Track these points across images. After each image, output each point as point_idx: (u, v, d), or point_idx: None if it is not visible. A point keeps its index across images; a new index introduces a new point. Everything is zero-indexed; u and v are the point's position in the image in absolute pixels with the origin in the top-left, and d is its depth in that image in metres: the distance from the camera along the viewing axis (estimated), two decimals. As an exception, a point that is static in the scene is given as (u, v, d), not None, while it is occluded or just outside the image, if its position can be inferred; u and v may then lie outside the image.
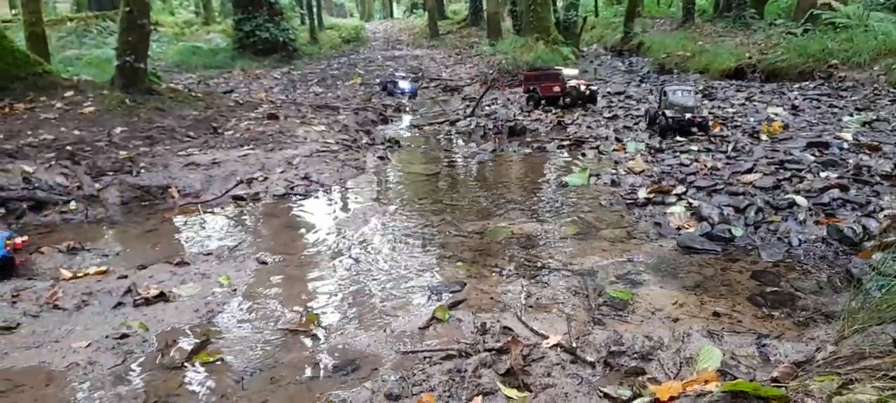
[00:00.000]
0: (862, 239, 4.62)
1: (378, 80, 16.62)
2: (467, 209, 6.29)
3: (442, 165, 8.48)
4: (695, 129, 8.42)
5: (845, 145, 7.13)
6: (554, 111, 11.56)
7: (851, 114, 9.09)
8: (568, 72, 12.55)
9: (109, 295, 4.31)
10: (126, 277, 4.62)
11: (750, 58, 15.00)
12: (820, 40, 13.79)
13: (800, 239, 4.79)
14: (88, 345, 3.64)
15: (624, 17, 25.04)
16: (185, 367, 3.42)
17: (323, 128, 9.97)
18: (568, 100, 11.92)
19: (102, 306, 4.17)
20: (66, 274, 4.72)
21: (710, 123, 8.63)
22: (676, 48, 18.61)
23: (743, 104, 10.82)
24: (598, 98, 12.23)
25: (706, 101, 11.38)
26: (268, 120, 10.15)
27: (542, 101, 12.18)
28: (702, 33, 20.46)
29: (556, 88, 11.92)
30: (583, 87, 11.93)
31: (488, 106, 12.80)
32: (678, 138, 8.40)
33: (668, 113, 8.50)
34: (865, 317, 2.95)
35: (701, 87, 13.37)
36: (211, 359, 3.48)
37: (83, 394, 3.20)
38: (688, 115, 8.40)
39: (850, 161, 6.46)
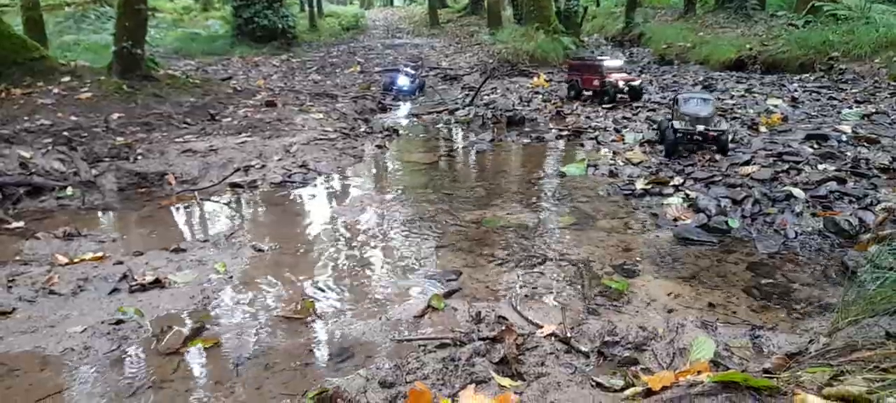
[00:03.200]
0: (858, 231, 4.63)
1: (378, 69, 16.52)
2: (465, 198, 6.28)
3: (440, 154, 8.47)
4: (711, 147, 6.99)
5: (844, 138, 7.12)
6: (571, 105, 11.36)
7: (851, 107, 9.08)
8: (610, 63, 11.37)
9: (105, 280, 4.32)
10: (122, 263, 4.62)
11: (750, 49, 14.96)
12: (821, 32, 13.75)
13: (796, 232, 4.79)
14: (84, 331, 3.65)
15: (625, 6, 24.94)
16: (181, 353, 3.42)
17: (321, 116, 9.95)
18: (606, 97, 10.81)
19: (98, 292, 4.17)
20: (62, 259, 4.71)
21: (729, 138, 6.99)
22: (677, 39, 18.56)
23: (742, 96, 10.80)
24: (643, 94, 11.07)
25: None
26: (266, 107, 10.13)
27: (584, 94, 11.37)
28: (703, 24, 20.38)
29: (596, 82, 10.94)
30: (621, 83, 10.71)
31: (487, 95, 12.76)
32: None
33: (677, 125, 6.97)
34: (859, 310, 2.95)
35: (701, 78, 13.34)
36: (206, 345, 3.48)
37: (78, 379, 3.21)
38: (700, 127, 6.83)
39: (849, 153, 6.45)
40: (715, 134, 6.78)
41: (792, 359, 2.70)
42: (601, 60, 11.46)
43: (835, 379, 2.07)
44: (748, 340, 3.27)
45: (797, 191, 5.40)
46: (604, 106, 10.64)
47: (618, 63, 11.77)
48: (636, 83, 10.89)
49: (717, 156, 6.81)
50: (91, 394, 3.08)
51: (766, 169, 6.13)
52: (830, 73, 12.10)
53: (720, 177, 6.09)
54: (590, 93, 11.29)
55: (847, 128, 7.47)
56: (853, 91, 10.41)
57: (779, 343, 3.20)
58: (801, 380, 2.10)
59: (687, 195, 5.72)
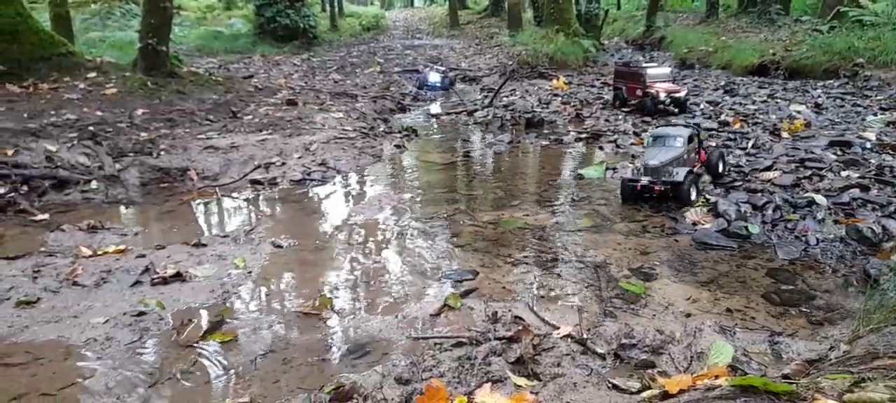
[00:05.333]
0: (881, 239, 4.56)
1: (398, 70, 16.58)
2: (482, 199, 6.29)
3: (458, 155, 8.48)
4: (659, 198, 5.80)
5: (868, 145, 7.01)
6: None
7: (875, 114, 8.94)
8: (654, 71, 10.45)
9: (128, 273, 4.39)
10: (144, 256, 4.70)
11: (774, 54, 14.78)
12: (846, 38, 13.54)
13: (818, 238, 4.73)
14: (106, 322, 3.72)
15: (646, 10, 24.77)
16: (201, 346, 3.47)
17: (341, 115, 10.01)
18: (645, 109, 10.09)
19: (121, 284, 4.24)
20: (86, 251, 4.80)
21: (691, 190, 5.68)
22: (699, 43, 18.40)
23: (765, 101, 10.68)
24: (687, 105, 10.16)
25: (727, 98, 11.21)
26: (287, 105, 10.22)
27: (629, 103, 10.63)
28: (725, 28, 20.19)
29: (639, 91, 10.24)
30: (662, 95, 9.87)
31: (507, 97, 12.75)
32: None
33: (628, 173, 6.05)
34: (881, 318, 2.91)
35: (723, 83, 13.19)
36: (225, 339, 3.53)
37: (100, 369, 3.27)
38: (645, 180, 5.67)
39: (873, 161, 6.36)
40: (661, 188, 5.61)
41: (812, 366, 2.68)
42: (645, 68, 10.64)
43: (855, 386, 2.04)
44: (767, 346, 3.24)
45: (819, 198, 5.33)
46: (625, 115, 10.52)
47: (663, 71, 10.77)
48: (680, 94, 10.01)
49: (742, 161, 6.73)
50: (113, 384, 3.13)
51: (788, 175, 6.06)
52: (855, 80, 11.91)
53: (741, 182, 6.04)
54: (635, 103, 10.53)
55: (871, 136, 7.36)
56: (878, 98, 10.24)
57: (798, 349, 3.17)
58: (820, 386, 2.08)
59: (707, 199, 5.67)
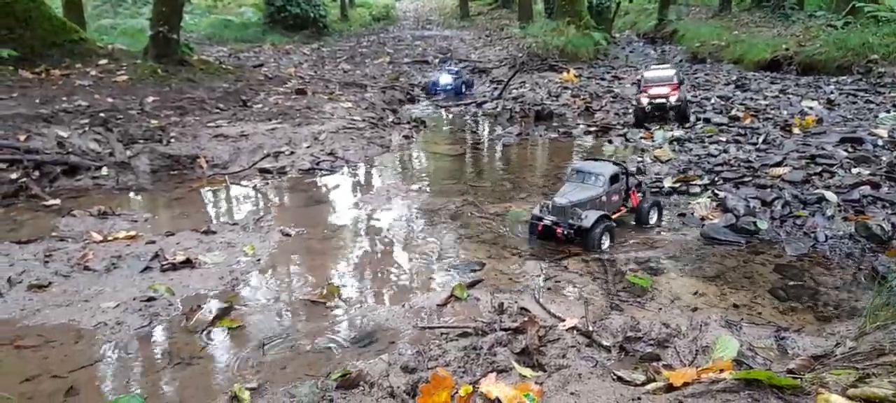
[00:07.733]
0: (890, 237, 4.53)
1: (407, 61, 16.49)
2: (490, 191, 6.30)
3: (467, 147, 8.48)
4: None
5: (880, 142, 6.95)
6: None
7: (888, 111, 8.85)
8: (652, 74, 9.48)
9: (138, 259, 4.43)
10: (154, 243, 4.74)
11: (787, 49, 14.64)
12: (861, 34, 13.40)
13: (826, 235, 4.71)
14: (116, 306, 3.76)
15: (658, 3, 24.58)
16: (209, 331, 3.51)
17: (350, 105, 10.03)
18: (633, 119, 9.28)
19: (131, 269, 4.29)
20: (97, 237, 4.85)
21: (603, 240, 4.73)
22: (711, 37, 18.24)
23: (776, 96, 10.60)
24: (682, 110, 9.03)
25: (738, 93, 11.14)
26: (296, 95, 10.24)
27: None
28: (738, 23, 20.01)
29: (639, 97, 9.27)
30: (644, 100, 8.97)
31: (516, 89, 12.71)
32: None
33: (536, 211, 5.05)
34: (888, 315, 2.91)
35: (734, 78, 13.10)
36: (233, 325, 3.56)
37: (110, 352, 3.31)
38: (548, 219, 4.83)
39: (884, 158, 6.31)
40: (564, 231, 4.74)
41: (817, 361, 2.68)
42: (646, 70, 9.93)
43: (860, 381, 2.05)
44: (773, 341, 3.24)
45: (829, 195, 5.30)
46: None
47: (664, 74, 9.47)
48: (669, 100, 8.92)
49: (750, 156, 6.69)
50: (123, 368, 3.18)
51: (798, 171, 6.03)
52: (869, 76, 11.79)
53: (750, 178, 6.01)
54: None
55: (883, 133, 7.29)
56: (892, 95, 10.14)
57: (804, 345, 3.17)
58: (825, 381, 2.08)
59: (715, 194, 5.65)
